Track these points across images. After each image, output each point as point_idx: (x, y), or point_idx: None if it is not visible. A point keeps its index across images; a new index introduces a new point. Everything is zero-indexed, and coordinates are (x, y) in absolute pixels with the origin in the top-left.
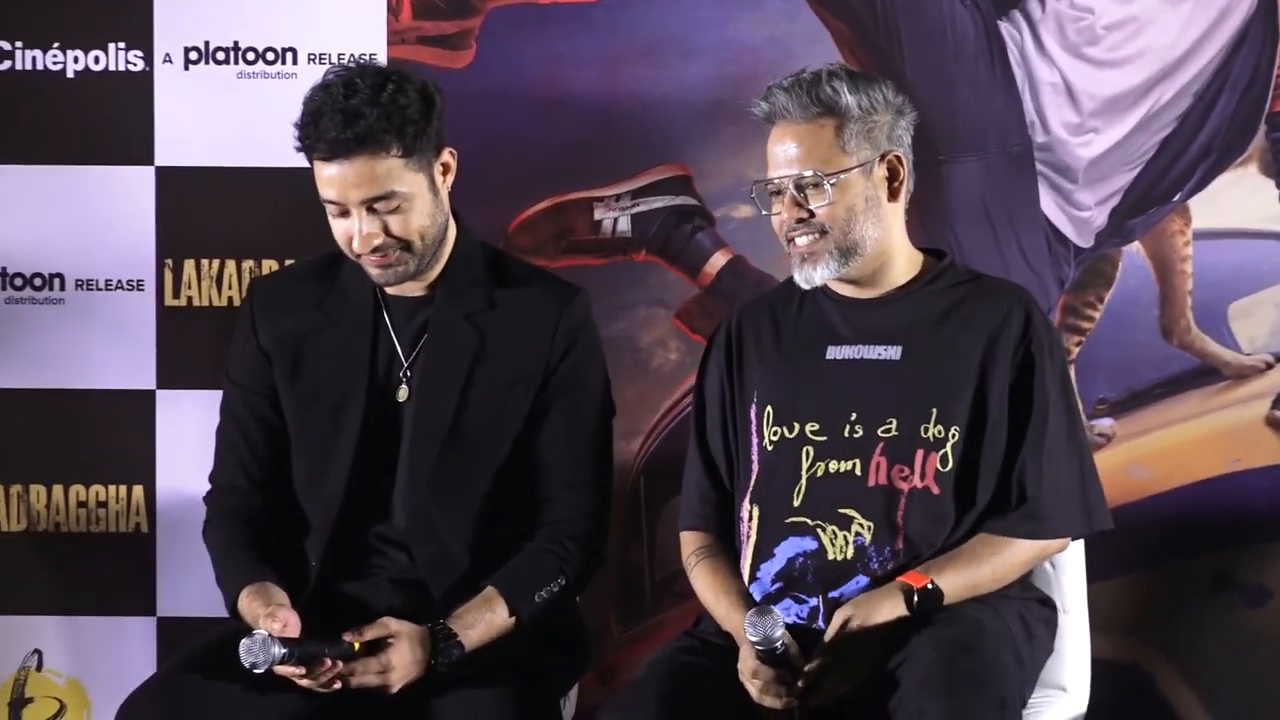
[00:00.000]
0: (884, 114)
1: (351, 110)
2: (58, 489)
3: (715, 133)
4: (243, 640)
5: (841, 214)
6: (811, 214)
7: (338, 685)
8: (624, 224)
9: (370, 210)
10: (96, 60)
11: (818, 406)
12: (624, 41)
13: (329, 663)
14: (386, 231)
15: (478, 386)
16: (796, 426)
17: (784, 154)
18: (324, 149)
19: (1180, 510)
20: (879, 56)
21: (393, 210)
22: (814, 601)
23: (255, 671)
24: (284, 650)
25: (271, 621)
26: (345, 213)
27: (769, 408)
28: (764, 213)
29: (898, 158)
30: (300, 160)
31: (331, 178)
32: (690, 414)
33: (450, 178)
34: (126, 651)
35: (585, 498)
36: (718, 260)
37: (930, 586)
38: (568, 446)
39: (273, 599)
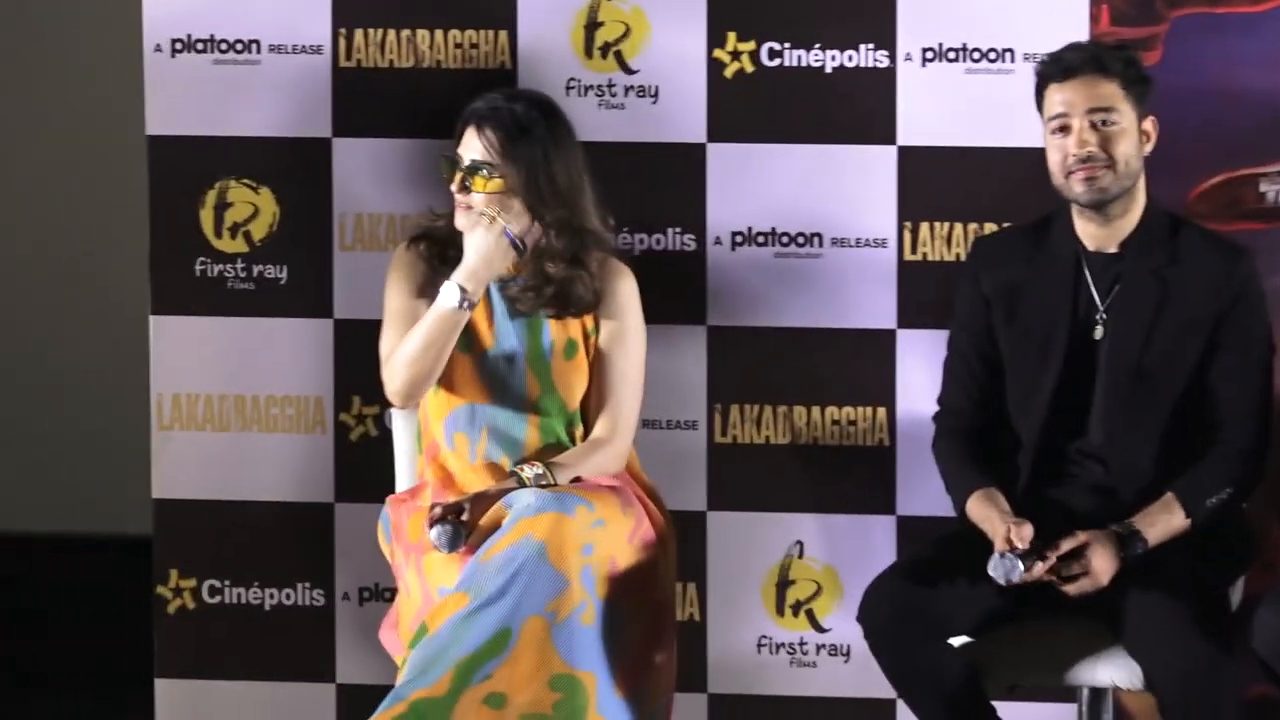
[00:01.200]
0: None
1: (1086, 46)
2: (815, 409)
3: None
4: (991, 559)
5: None
6: None
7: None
8: None
9: (1091, 126)
10: (850, 58)
11: None
12: None
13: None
14: (1101, 146)
15: (1161, 328)
16: None
17: None
18: (1059, 72)
19: None
20: None
21: (1109, 128)
22: None
23: (1003, 584)
24: (1022, 567)
25: (1016, 539)
26: (1066, 129)
27: None
28: None
29: None
30: (1018, 140)
31: (1063, 96)
32: None
33: (1149, 146)
34: (872, 544)
35: (1250, 422)
36: None
37: None
38: (1237, 379)
39: (996, 504)
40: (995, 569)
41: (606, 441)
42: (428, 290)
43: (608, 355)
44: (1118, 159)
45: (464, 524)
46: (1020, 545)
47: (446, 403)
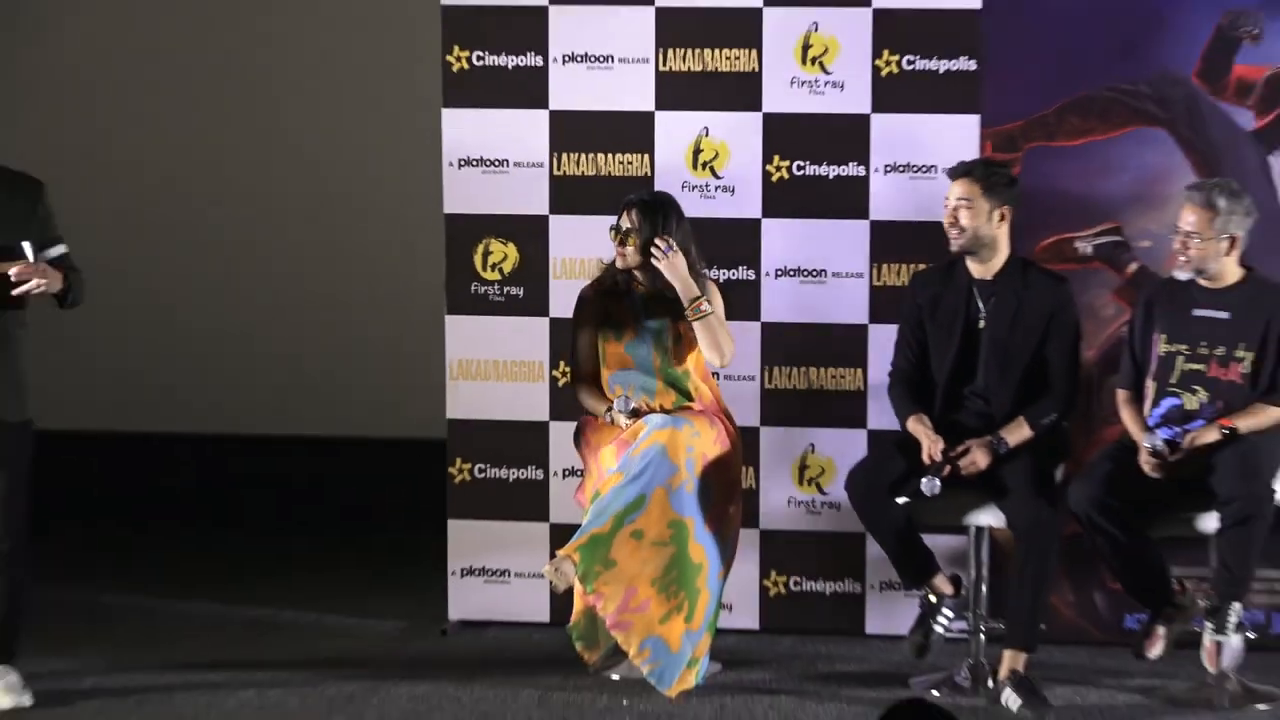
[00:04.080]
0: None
1: (965, 163)
2: (822, 369)
3: None
4: (923, 481)
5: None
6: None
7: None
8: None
9: (957, 208)
10: (843, 170)
11: (1191, 335)
12: None
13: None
14: (958, 220)
15: (1017, 324)
16: (1177, 346)
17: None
18: (951, 177)
19: None
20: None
21: (967, 210)
22: (1176, 431)
23: (928, 496)
24: (939, 484)
25: (935, 454)
26: (949, 208)
27: (1164, 333)
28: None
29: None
30: (937, 216)
31: (952, 190)
32: (1122, 339)
33: (1004, 223)
34: (852, 445)
35: (1067, 377)
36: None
37: (1234, 428)
38: (1059, 354)
39: (924, 423)
40: (926, 487)
41: (722, 363)
42: (597, 316)
43: (709, 333)
44: (967, 229)
45: (639, 412)
46: (936, 459)
47: (612, 366)
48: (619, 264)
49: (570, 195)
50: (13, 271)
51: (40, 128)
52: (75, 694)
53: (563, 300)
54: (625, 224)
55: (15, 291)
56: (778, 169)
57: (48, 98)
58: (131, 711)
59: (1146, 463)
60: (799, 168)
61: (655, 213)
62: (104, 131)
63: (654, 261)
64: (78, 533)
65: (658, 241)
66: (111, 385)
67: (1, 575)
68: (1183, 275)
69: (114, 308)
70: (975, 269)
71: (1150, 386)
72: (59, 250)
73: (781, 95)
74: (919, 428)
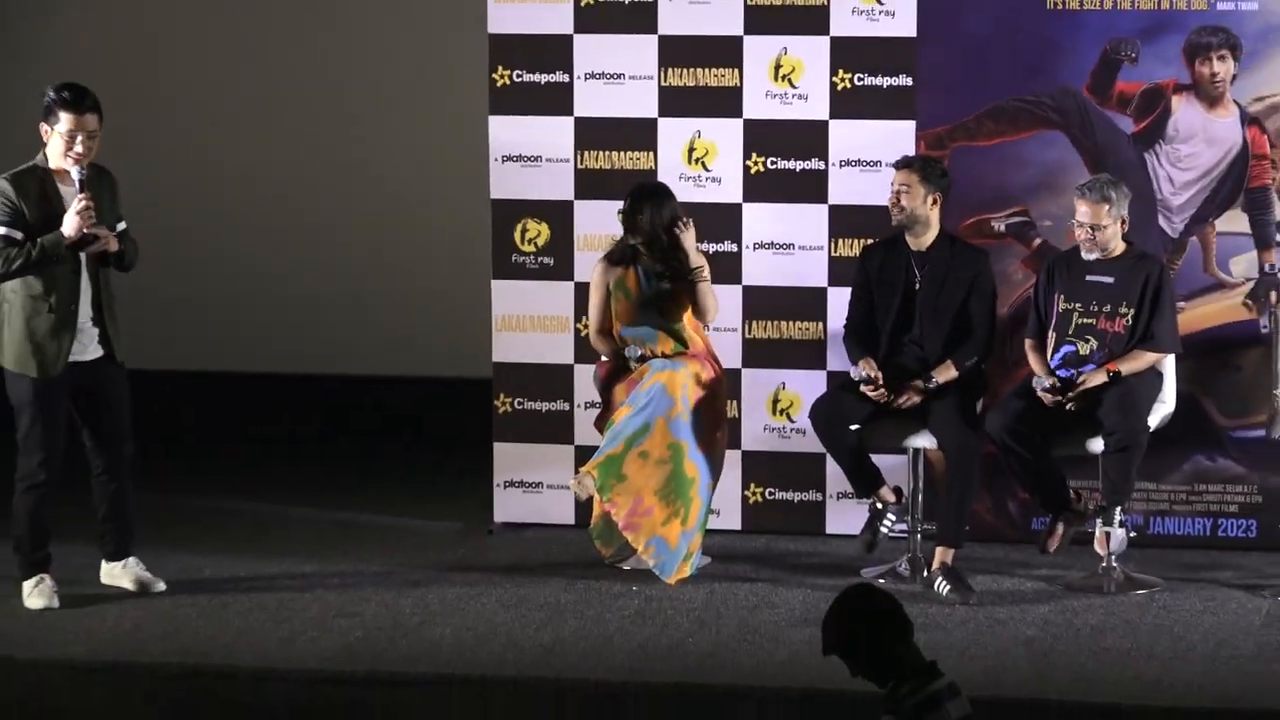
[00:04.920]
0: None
1: (906, 157)
2: (791, 323)
3: None
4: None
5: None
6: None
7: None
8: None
9: (892, 192)
10: (807, 165)
11: (1084, 296)
12: None
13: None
14: (899, 202)
15: (946, 286)
16: (1073, 304)
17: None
18: (895, 167)
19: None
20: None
21: (905, 193)
22: (1072, 372)
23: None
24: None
25: (866, 369)
26: (891, 191)
27: (1062, 294)
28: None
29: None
30: (883, 200)
31: (895, 178)
32: (1029, 298)
33: (936, 207)
34: (815, 384)
35: (985, 326)
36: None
37: (1118, 371)
38: (979, 308)
39: (871, 364)
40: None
41: (710, 319)
42: (611, 280)
43: (703, 296)
44: (906, 209)
45: (644, 358)
46: (873, 374)
47: (623, 320)
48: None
49: (591, 185)
50: (100, 233)
51: (172, 145)
52: (197, 583)
53: (584, 268)
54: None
55: (91, 248)
56: (756, 164)
57: (162, 122)
58: (241, 596)
59: (1043, 396)
60: (772, 163)
61: (655, 197)
62: (217, 142)
63: (677, 232)
64: (187, 455)
65: (681, 220)
66: (242, 333)
67: (126, 480)
68: (1090, 256)
69: (235, 274)
70: (912, 242)
71: (1051, 337)
72: (122, 225)
73: (758, 105)
74: (853, 372)
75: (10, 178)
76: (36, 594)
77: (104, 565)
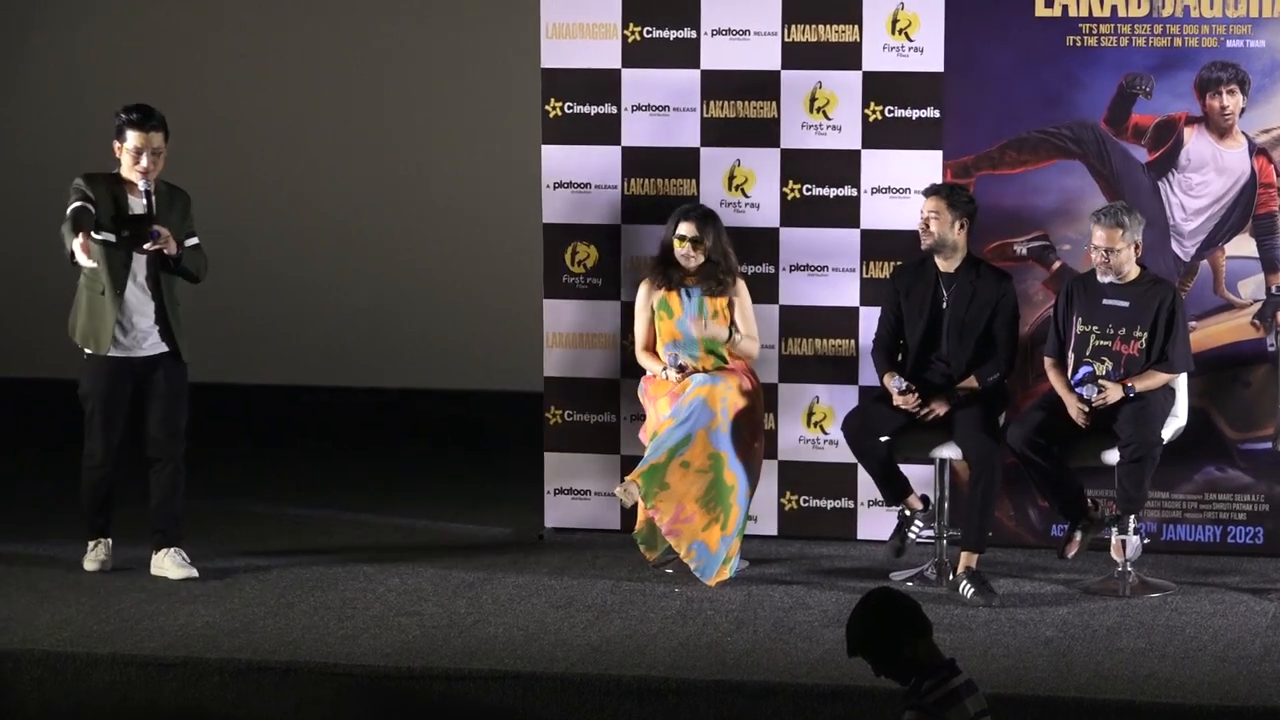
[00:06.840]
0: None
1: (934, 185)
2: (824, 339)
3: None
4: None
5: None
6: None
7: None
8: None
9: (929, 218)
10: (841, 192)
11: (1101, 319)
12: None
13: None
14: (929, 227)
15: (972, 305)
16: (1090, 326)
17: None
18: (925, 195)
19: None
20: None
21: (934, 219)
22: (1094, 389)
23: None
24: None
25: (892, 382)
26: (922, 217)
27: (1080, 316)
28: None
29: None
30: (913, 225)
31: (922, 205)
32: (1049, 318)
33: (964, 232)
34: (847, 397)
35: (1009, 346)
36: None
37: (1133, 386)
38: (1004, 328)
39: (893, 379)
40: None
41: (752, 346)
42: (654, 300)
43: (743, 314)
44: (935, 234)
45: (685, 370)
46: (898, 390)
47: (665, 338)
48: (687, 264)
49: (637, 210)
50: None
51: (222, 154)
52: (264, 583)
53: (630, 288)
54: (683, 230)
55: (147, 247)
56: (792, 190)
57: (209, 136)
58: (307, 595)
59: (1078, 414)
60: (808, 189)
61: (712, 221)
62: (295, 175)
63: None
64: (258, 463)
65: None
66: (297, 350)
67: (178, 474)
68: (1105, 279)
69: (314, 297)
70: (940, 265)
71: (1070, 357)
72: (193, 241)
73: (795, 135)
74: (890, 383)
75: (85, 175)
76: (90, 557)
77: (153, 557)
